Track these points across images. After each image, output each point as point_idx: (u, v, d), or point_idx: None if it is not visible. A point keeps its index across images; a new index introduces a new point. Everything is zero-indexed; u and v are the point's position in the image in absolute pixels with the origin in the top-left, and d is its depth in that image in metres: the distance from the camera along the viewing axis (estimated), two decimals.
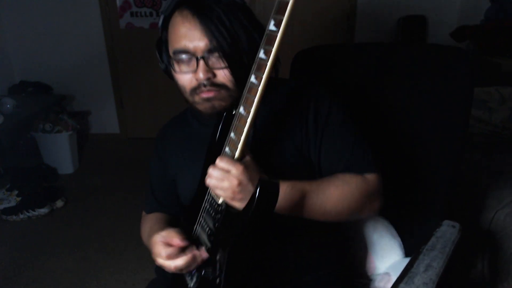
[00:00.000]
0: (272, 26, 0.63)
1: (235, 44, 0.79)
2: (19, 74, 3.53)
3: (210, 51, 0.79)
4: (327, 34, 3.46)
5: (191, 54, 0.80)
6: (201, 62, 0.79)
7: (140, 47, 3.45)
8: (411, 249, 1.05)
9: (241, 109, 0.69)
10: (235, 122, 0.71)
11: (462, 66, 1.05)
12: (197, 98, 0.84)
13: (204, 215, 0.81)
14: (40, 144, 3.09)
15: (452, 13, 3.31)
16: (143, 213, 1.10)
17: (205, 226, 0.80)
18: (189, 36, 0.80)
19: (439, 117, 1.09)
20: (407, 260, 0.98)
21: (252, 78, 0.66)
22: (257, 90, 0.65)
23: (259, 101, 0.66)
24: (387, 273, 1.03)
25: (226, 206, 0.73)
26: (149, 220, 1.04)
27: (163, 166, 1.03)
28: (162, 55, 0.88)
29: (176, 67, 0.84)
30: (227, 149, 0.73)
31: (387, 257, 1.07)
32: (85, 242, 2.24)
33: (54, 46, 3.48)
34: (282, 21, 0.61)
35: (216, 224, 0.76)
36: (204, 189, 0.79)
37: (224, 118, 0.80)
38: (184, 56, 0.81)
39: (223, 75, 0.81)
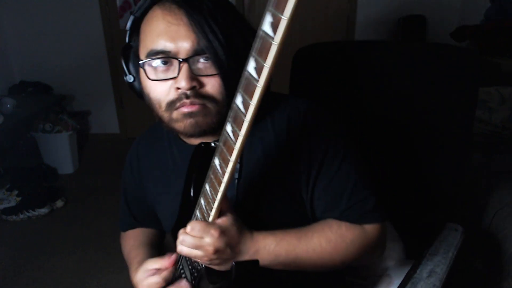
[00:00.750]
0: (251, 69, 0.45)
1: (229, 46, 0.64)
2: (19, 74, 3.52)
3: (197, 53, 0.63)
4: (327, 34, 3.46)
5: (172, 56, 0.64)
6: (185, 67, 0.63)
7: None
8: (412, 251, 1.05)
9: (216, 162, 0.54)
10: (210, 173, 0.57)
11: (468, 66, 1.03)
12: (175, 115, 0.67)
13: (182, 260, 0.76)
14: (40, 144, 3.09)
15: (452, 13, 3.30)
16: (121, 233, 1.03)
17: (183, 272, 0.76)
18: (171, 32, 0.63)
19: (442, 118, 1.07)
20: (408, 261, 0.98)
21: (228, 129, 0.51)
22: (233, 148, 0.49)
23: (237, 159, 0.51)
24: (388, 275, 1.03)
25: (204, 268, 0.67)
26: (127, 240, 0.98)
27: (138, 185, 0.92)
28: (128, 65, 0.72)
29: (150, 73, 0.66)
30: (202, 201, 0.62)
31: (388, 258, 1.06)
32: (85, 242, 2.24)
33: (54, 46, 3.47)
34: (263, 69, 0.42)
35: (193, 282, 0.72)
36: (181, 226, 0.68)
37: (201, 151, 0.67)
38: (161, 59, 0.65)
39: (212, 84, 0.65)
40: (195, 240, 0.60)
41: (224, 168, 0.52)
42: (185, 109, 0.66)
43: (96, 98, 3.66)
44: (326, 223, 0.73)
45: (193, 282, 0.72)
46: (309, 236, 0.70)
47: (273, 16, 0.40)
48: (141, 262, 0.79)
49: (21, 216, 2.48)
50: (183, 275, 0.77)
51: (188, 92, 0.64)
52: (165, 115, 0.69)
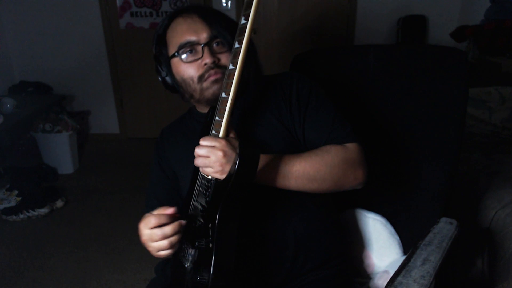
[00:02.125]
0: (242, 20, 0.74)
1: (231, 31, 0.90)
2: (19, 74, 3.53)
3: (212, 38, 0.92)
4: (327, 34, 3.47)
5: (196, 43, 0.92)
6: (206, 48, 0.91)
7: (140, 47, 3.45)
8: (410, 247, 1.05)
9: (223, 94, 0.77)
10: (218, 106, 0.79)
11: (459, 66, 1.06)
12: (205, 84, 0.92)
13: (197, 199, 0.83)
14: (40, 144, 3.09)
15: (452, 13, 3.31)
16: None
17: (198, 206, 0.82)
18: (192, 29, 0.92)
19: (436, 116, 1.10)
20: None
21: (230, 66, 0.76)
22: (235, 73, 0.74)
23: (238, 83, 0.74)
24: (386, 271, 1.03)
25: (216, 180, 0.79)
26: None
27: (163, 170, 1.06)
28: (161, 66, 0.99)
29: (183, 59, 0.93)
30: (213, 131, 0.80)
31: (386, 255, 1.07)
32: (85, 242, 2.24)
33: (54, 46, 3.48)
34: (250, 13, 0.72)
35: (207, 199, 0.79)
36: (196, 176, 0.85)
37: (211, 111, 0.87)
38: (189, 48, 0.92)
39: (225, 58, 0.92)
40: (207, 149, 0.77)
41: (229, 90, 0.75)
42: (212, 77, 0.91)
43: (96, 98, 3.67)
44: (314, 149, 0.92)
45: (208, 199, 0.79)
46: (301, 154, 0.88)
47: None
48: None
49: (21, 216, 2.48)
50: (198, 207, 0.82)
51: (212, 65, 0.91)
52: (197, 88, 0.94)
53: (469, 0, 3.21)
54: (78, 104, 3.67)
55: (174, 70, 0.97)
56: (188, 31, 0.92)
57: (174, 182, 1.04)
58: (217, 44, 0.93)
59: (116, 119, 3.75)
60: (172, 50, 0.95)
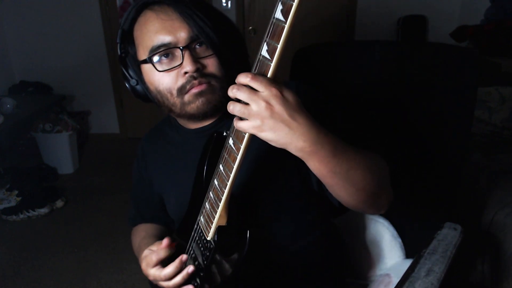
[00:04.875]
0: (264, 52, 0.51)
1: (217, 30, 0.74)
2: (19, 74, 3.53)
3: (193, 39, 0.73)
4: (326, 34, 3.46)
5: (173, 46, 0.73)
6: (187, 53, 0.72)
7: None
8: (412, 250, 1.05)
9: (231, 142, 0.60)
10: (224, 153, 0.63)
11: (467, 65, 1.04)
12: (187, 98, 0.75)
13: (193, 245, 0.78)
14: (40, 144, 3.09)
15: (452, 13, 3.30)
16: (133, 228, 1.07)
17: (194, 257, 0.78)
18: (167, 27, 0.73)
19: (442, 118, 1.08)
20: (408, 261, 0.98)
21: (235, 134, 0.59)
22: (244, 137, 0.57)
23: (250, 138, 0.57)
24: (387, 274, 1.03)
25: (215, 245, 0.70)
26: (138, 233, 1.01)
27: (145, 180, 0.97)
28: (129, 71, 0.80)
29: (157, 66, 0.75)
30: (215, 182, 0.67)
31: (387, 258, 1.06)
32: (85, 242, 2.24)
33: (54, 46, 3.47)
34: (277, 49, 0.50)
35: (205, 262, 0.74)
36: (194, 213, 0.76)
37: (213, 139, 0.71)
38: (164, 51, 0.73)
39: (211, 64, 0.75)
40: (249, 93, 0.53)
41: (239, 145, 0.58)
42: (195, 90, 0.74)
43: (96, 98, 3.66)
44: None
45: (205, 262, 0.73)
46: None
47: (283, 3, 0.48)
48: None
49: (21, 216, 2.48)
50: (194, 258, 0.79)
51: (195, 74, 0.73)
52: (177, 102, 0.76)
53: (469, 0, 3.21)
54: (78, 104, 3.67)
55: (147, 78, 0.78)
56: (162, 30, 0.73)
57: (158, 198, 0.97)
58: (200, 45, 0.74)
59: (116, 119, 3.75)
60: (142, 53, 0.76)
